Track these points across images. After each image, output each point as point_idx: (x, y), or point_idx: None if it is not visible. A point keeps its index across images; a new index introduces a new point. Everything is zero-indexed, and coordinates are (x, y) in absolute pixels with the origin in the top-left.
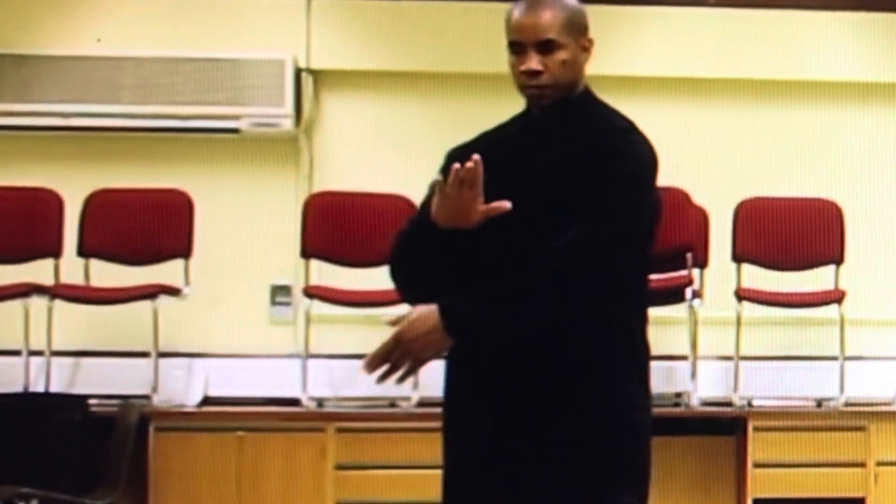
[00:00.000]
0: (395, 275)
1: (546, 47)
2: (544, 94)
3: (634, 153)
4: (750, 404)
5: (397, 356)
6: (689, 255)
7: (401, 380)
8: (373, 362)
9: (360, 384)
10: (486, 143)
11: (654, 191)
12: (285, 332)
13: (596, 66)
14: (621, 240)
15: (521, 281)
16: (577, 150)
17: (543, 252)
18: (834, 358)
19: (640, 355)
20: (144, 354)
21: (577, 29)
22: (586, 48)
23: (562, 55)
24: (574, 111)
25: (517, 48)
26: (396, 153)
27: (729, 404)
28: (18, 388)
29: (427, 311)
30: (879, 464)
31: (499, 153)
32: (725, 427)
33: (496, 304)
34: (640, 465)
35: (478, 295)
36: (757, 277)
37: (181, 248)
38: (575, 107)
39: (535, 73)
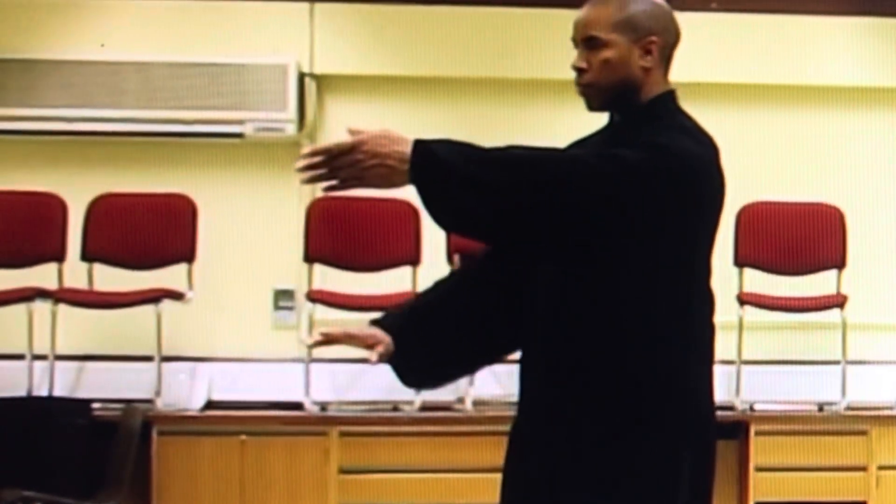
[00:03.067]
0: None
1: (591, 44)
2: (586, 93)
3: (647, 148)
4: (752, 408)
5: (345, 160)
6: None
7: (327, 188)
8: (317, 152)
9: (364, 388)
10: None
11: (661, 197)
12: (288, 336)
13: None
14: (597, 179)
15: (497, 158)
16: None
17: (533, 148)
18: (836, 362)
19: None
20: (148, 358)
21: (635, 28)
22: (648, 50)
23: (606, 54)
24: (638, 120)
25: (575, 45)
26: None
27: (731, 408)
28: (22, 392)
29: (401, 135)
30: (881, 468)
31: None
32: (727, 431)
33: (467, 162)
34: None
35: (456, 150)
36: (759, 282)
37: (185, 252)
38: (639, 116)
39: (578, 71)
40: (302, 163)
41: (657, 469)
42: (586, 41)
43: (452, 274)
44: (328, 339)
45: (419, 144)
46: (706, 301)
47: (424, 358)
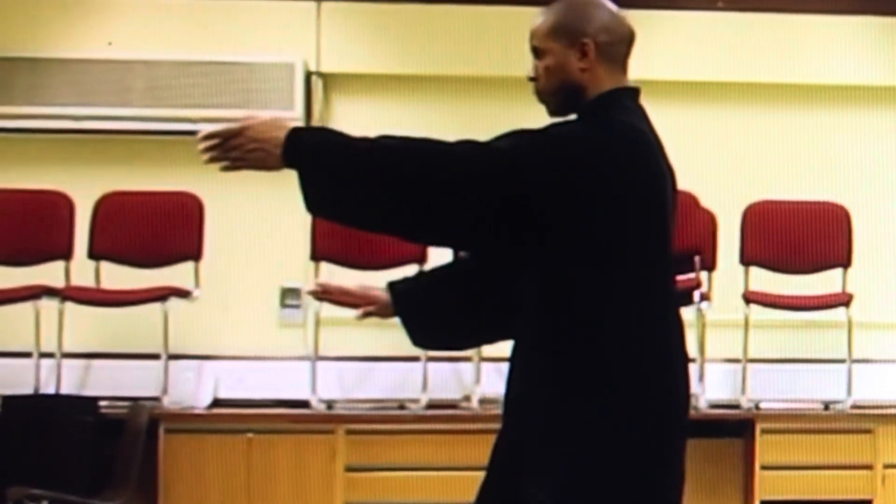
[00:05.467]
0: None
1: (535, 54)
2: (541, 100)
3: (543, 129)
4: (757, 407)
5: (232, 143)
6: (697, 259)
7: (221, 168)
8: (210, 136)
9: (370, 387)
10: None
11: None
12: (295, 334)
13: None
14: (463, 163)
15: (372, 149)
16: None
17: (405, 138)
18: (841, 361)
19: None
20: (155, 356)
21: (567, 33)
22: (584, 52)
23: (546, 61)
24: (580, 117)
25: None
26: None
27: (737, 407)
28: (29, 390)
29: (282, 121)
30: (887, 466)
31: None
32: (733, 429)
33: (339, 152)
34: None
35: (327, 138)
36: (765, 280)
37: (191, 250)
38: (580, 114)
39: (531, 81)
40: (200, 146)
41: (642, 467)
42: (533, 51)
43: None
44: (325, 291)
45: (293, 131)
46: (662, 294)
47: (428, 323)
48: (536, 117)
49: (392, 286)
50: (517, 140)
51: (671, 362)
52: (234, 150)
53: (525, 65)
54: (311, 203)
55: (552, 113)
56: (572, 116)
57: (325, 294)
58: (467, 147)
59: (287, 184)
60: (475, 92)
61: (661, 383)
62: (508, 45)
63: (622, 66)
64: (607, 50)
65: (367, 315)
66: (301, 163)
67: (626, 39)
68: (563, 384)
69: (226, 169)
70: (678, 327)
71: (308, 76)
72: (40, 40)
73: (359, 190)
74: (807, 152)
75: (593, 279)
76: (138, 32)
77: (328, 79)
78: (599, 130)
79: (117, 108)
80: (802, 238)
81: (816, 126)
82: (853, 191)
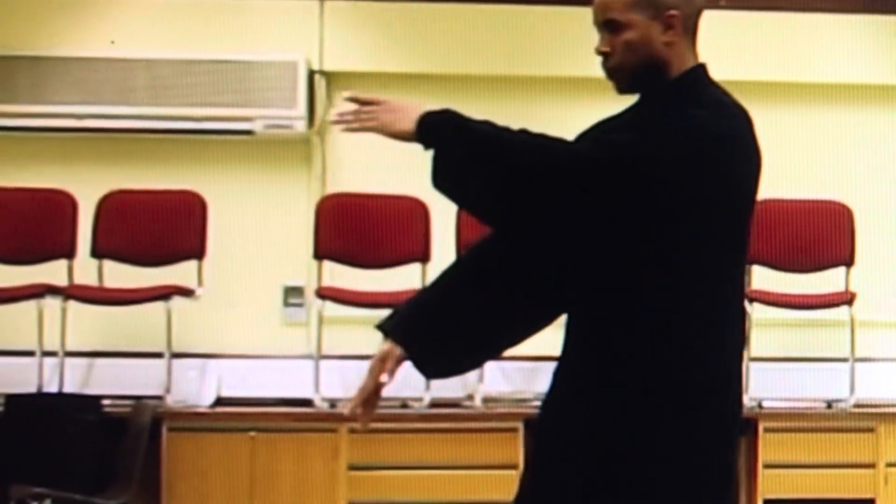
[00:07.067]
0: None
1: (611, 27)
2: (613, 77)
3: (672, 123)
4: (760, 405)
5: (370, 108)
6: None
7: (347, 129)
8: (354, 100)
9: None
10: (600, 129)
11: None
12: (298, 333)
13: None
14: (584, 165)
15: (502, 140)
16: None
17: (535, 134)
18: (844, 359)
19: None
20: (158, 355)
21: (651, 4)
22: (670, 24)
23: (627, 35)
24: (665, 97)
25: (597, 30)
26: (409, 155)
27: None
28: (32, 389)
29: (416, 103)
30: (889, 465)
31: None
32: None
33: (471, 139)
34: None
35: (466, 126)
36: (767, 279)
37: (194, 249)
38: (667, 92)
39: (603, 56)
40: (339, 109)
41: (701, 461)
42: (606, 24)
43: (457, 264)
44: None
45: (432, 110)
46: (739, 288)
47: (439, 350)
48: (541, 115)
49: (383, 328)
50: (642, 136)
51: (739, 353)
52: (373, 117)
53: (528, 64)
54: (438, 177)
55: (623, 90)
56: (633, 97)
57: None
58: (589, 146)
59: (289, 183)
60: (479, 90)
61: (729, 375)
62: (513, 43)
63: (695, 40)
64: (688, 22)
65: (393, 373)
66: (439, 137)
67: (701, 9)
68: (640, 376)
69: (350, 129)
70: (744, 318)
71: (311, 74)
72: (43, 39)
73: (484, 172)
74: (810, 151)
75: (697, 266)
76: (141, 31)
77: (331, 77)
78: (735, 118)
79: (120, 107)
80: (805, 237)
81: (820, 125)
82: (856, 189)
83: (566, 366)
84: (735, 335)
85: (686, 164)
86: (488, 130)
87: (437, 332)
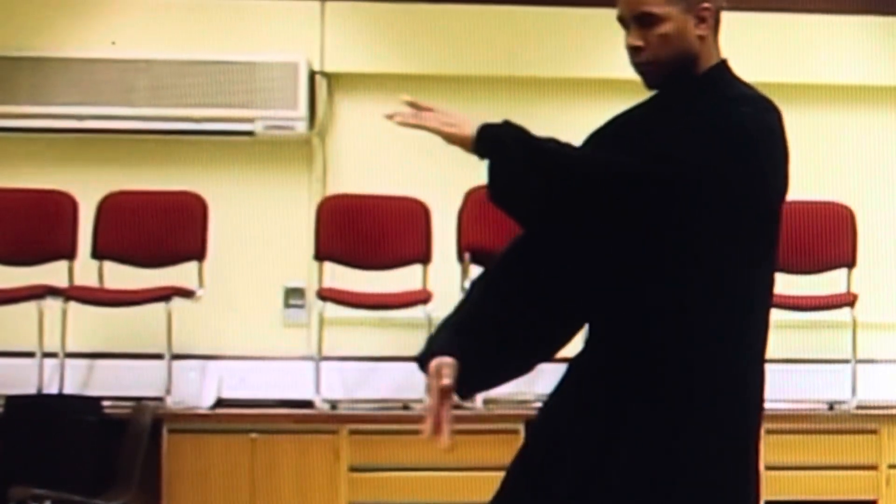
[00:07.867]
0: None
1: (645, 21)
2: (647, 71)
3: (718, 121)
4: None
5: (434, 115)
6: None
7: (403, 122)
8: (413, 104)
9: (374, 386)
10: (618, 124)
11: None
12: (299, 334)
13: (608, 70)
14: (636, 177)
15: (559, 155)
16: (677, 132)
17: (591, 152)
18: (846, 361)
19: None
20: (158, 356)
21: None
22: (703, 18)
23: (662, 28)
24: (692, 91)
25: (623, 24)
26: (410, 156)
27: None
28: (32, 390)
29: (471, 119)
30: (891, 466)
31: (625, 135)
32: None
33: (527, 152)
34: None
35: (521, 137)
36: None
37: (195, 250)
38: (695, 87)
39: (635, 50)
40: (399, 111)
41: (724, 467)
42: (640, 18)
43: (480, 281)
44: None
45: (488, 123)
46: (769, 293)
47: (478, 369)
48: (541, 117)
49: (421, 357)
50: (696, 145)
51: (763, 357)
52: (433, 119)
53: (529, 65)
54: (495, 192)
55: (652, 85)
56: (649, 93)
57: None
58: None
59: (290, 184)
60: (480, 91)
61: (755, 379)
62: (513, 44)
63: (719, 35)
64: (718, 16)
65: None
66: (497, 151)
67: (723, 4)
68: (677, 388)
69: (405, 124)
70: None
71: (312, 75)
72: (43, 40)
73: (540, 187)
74: (811, 152)
75: (727, 277)
76: (142, 32)
77: (332, 78)
78: (768, 112)
79: (121, 108)
80: (807, 238)
81: (821, 126)
82: (858, 191)
83: (592, 368)
84: (758, 342)
85: (732, 166)
86: (552, 147)
87: (478, 345)
